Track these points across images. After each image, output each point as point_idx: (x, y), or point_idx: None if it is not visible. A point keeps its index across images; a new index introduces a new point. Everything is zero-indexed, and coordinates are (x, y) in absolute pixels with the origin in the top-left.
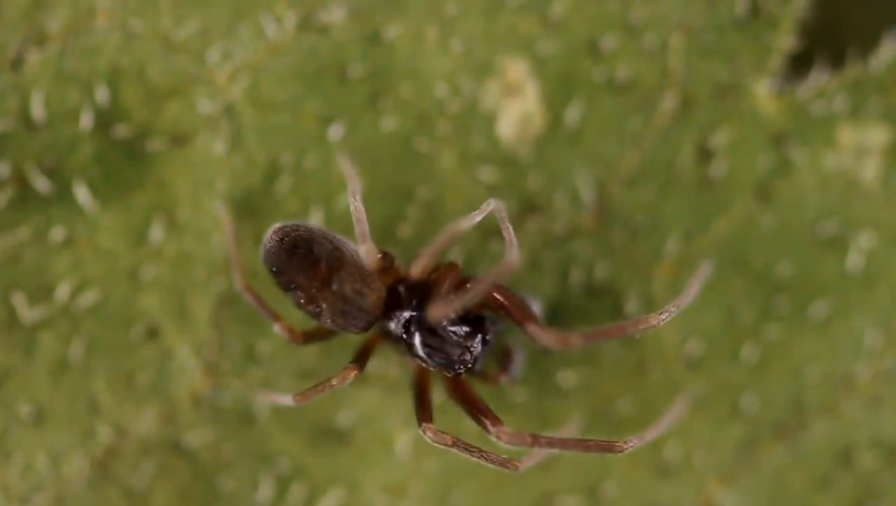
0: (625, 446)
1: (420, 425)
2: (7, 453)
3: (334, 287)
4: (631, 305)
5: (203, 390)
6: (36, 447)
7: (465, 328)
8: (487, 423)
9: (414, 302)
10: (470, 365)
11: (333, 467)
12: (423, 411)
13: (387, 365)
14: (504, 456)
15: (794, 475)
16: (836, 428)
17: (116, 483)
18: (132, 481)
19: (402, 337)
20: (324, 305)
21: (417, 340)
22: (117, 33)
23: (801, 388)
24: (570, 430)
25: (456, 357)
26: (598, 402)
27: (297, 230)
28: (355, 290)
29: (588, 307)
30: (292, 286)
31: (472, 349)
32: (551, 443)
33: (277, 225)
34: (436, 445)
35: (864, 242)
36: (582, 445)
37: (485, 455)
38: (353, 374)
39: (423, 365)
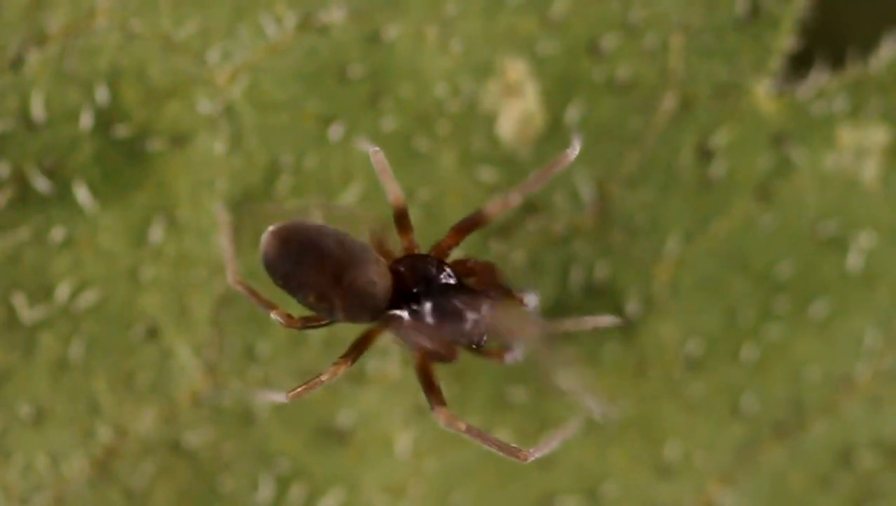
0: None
1: (433, 409)
2: (7, 453)
3: (346, 281)
4: (631, 306)
5: (203, 389)
6: (36, 447)
7: (473, 298)
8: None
9: (421, 277)
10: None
11: (333, 467)
12: (434, 396)
13: (387, 365)
14: (515, 445)
15: (794, 475)
16: (836, 428)
17: (116, 483)
18: (132, 481)
19: (410, 317)
20: (336, 301)
21: (428, 315)
22: (117, 33)
23: (801, 388)
24: (570, 429)
25: (469, 327)
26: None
27: (298, 232)
28: (368, 280)
29: (588, 307)
30: (302, 288)
31: (480, 315)
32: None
33: (273, 228)
34: (448, 429)
35: (864, 242)
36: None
37: (496, 443)
38: (343, 368)
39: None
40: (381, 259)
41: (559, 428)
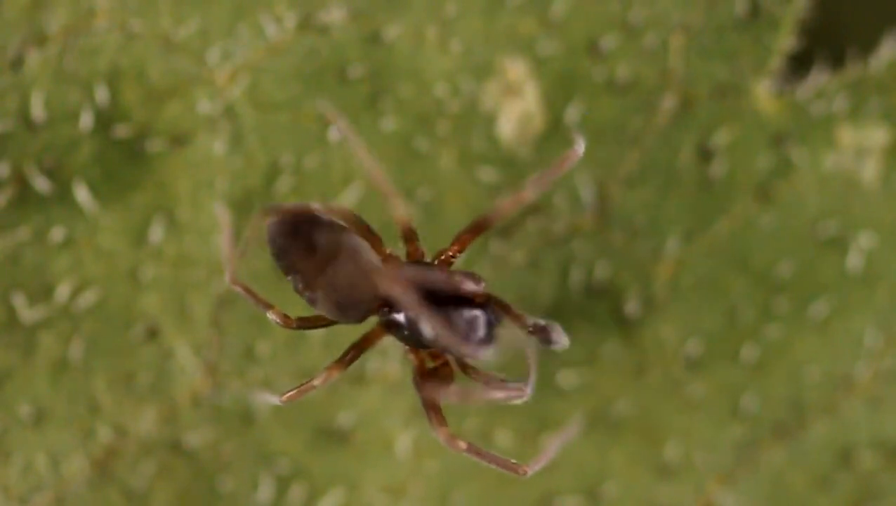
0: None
1: (434, 429)
2: (7, 453)
3: (329, 273)
4: (631, 306)
5: (203, 389)
6: (36, 447)
7: (470, 311)
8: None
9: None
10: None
11: (333, 467)
12: (435, 415)
13: (387, 365)
14: (513, 461)
15: (794, 475)
16: (836, 428)
17: (116, 483)
18: (132, 481)
19: (407, 326)
20: (319, 292)
21: (425, 326)
22: (117, 33)
23: (801, 388)
24: (570, 430)
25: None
26: (598, 402)
27: (302, 216)
28: (350, 282)
29: (588, 307)
30: (291, 271)
31: (477, 330)
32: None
33: (288, 205)
34: (448, 449)
35: (864, 242)
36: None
37: (495, 460)
38: (336, 373)
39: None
40: (379, 262)
41: (555, 434)
